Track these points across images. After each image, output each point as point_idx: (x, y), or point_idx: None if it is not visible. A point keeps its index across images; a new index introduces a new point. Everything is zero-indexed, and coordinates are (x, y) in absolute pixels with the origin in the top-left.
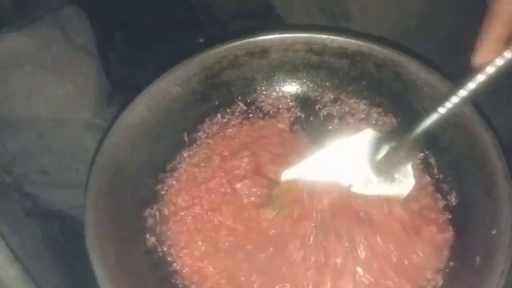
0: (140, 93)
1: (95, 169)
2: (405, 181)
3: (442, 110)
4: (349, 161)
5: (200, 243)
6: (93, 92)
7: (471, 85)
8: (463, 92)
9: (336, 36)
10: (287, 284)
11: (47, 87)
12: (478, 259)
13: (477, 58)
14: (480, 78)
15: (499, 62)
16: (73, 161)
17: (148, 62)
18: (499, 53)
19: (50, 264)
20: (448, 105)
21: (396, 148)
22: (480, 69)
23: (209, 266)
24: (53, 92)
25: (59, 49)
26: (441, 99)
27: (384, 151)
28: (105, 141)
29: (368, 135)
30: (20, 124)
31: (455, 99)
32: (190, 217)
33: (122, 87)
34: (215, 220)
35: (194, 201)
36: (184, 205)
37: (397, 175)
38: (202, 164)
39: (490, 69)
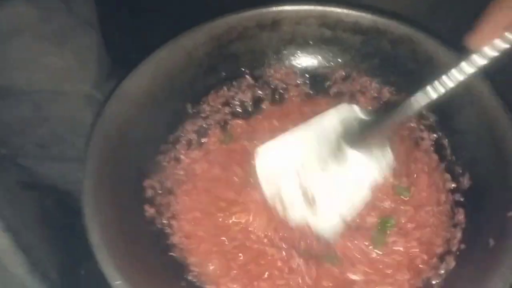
0: (145, 59)
1: (96, 134)
2: (381, 162)
3: (430, 93)
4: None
5: (202, 215)
6: (94, 66)
7: (465, 69)
8: (453, 77)
9: (352, 10)
10: None
11: (47, 58)
12: (491, 241)
13: (473, 42)
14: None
15: (496, 48)
16: (70, 135)
17: (151, 38)
18: (496, 38)
19: (44, 237)
20: (435, 91)
21: (369, 125)
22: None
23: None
24: (52, 63)
25: (60, 20)
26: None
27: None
28: (107, 107)
29: (343, 110)
30: (17, 94)
31: (443, 85)
32: (200, 183)
33: (123, 62)
34: (235, 178)
35: (213, 165)
36: (198, 172)
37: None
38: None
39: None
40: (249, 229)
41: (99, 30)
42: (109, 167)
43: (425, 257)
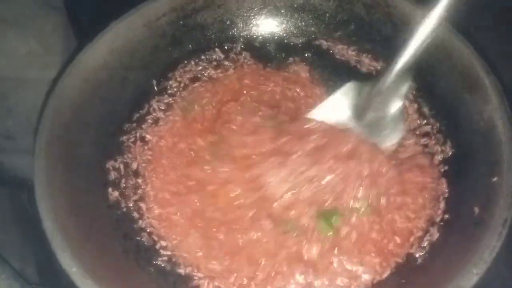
0: (102, 31)
1: (47, 110)
2: (393, 132)
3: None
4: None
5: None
6: (60, 50)
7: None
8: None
9: None
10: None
11: (9, 43)
12: (476, 209)
13: None
14: None
15: None
16: None
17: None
18: None
19: (18, 236)
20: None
21: (375, 90)
22: None
23: (178, 213)
24: (15, 49)
25: (21, 2)
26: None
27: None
28: (60, 82)
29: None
30: None
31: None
32: (166, 160)
33: None
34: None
35: (180, 139)
36: (164, 149)
37: (384, 126)
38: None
39: None
40: (227, 205)
41: (65, 12)
42: (62, 146)
43: (398, 240)
